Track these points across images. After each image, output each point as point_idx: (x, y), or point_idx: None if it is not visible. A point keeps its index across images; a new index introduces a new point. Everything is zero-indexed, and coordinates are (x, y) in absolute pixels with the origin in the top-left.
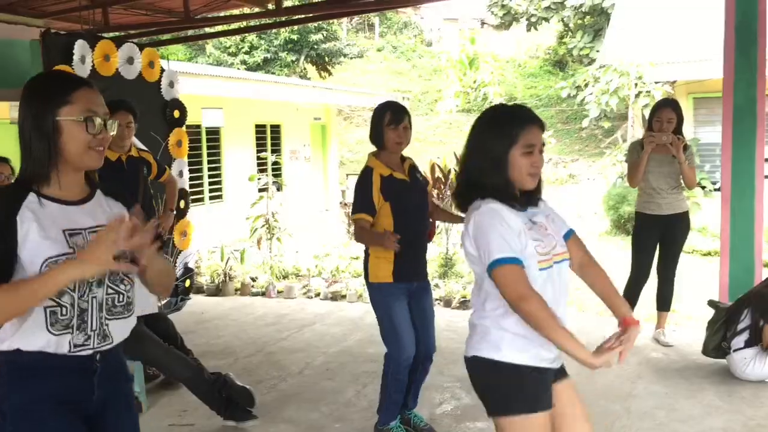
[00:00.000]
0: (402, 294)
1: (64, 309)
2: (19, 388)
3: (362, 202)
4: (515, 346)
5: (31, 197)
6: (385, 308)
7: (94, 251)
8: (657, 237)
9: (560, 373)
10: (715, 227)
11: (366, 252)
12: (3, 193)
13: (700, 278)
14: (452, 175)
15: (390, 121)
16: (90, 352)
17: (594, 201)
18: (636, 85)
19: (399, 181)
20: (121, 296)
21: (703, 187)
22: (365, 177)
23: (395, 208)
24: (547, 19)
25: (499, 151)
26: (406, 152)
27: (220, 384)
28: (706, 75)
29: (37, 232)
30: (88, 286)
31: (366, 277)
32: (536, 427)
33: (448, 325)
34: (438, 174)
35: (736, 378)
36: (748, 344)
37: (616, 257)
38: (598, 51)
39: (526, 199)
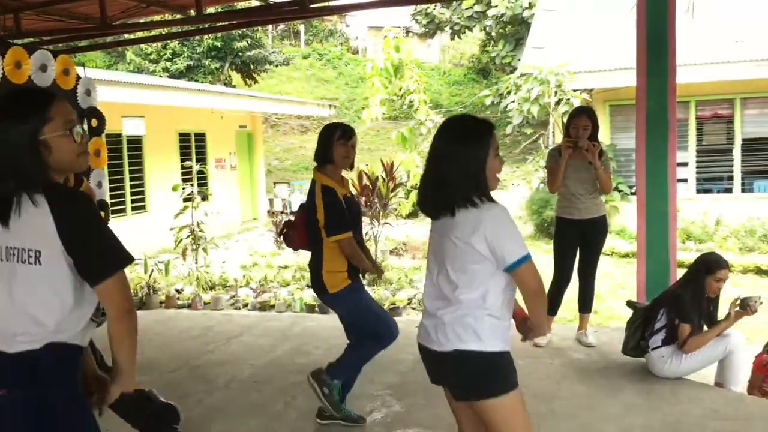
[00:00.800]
0: (361, 287)
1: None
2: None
3: (342, 221)
4: (498, 336)
5: None
6: (359, 302)
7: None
8: (577, 241)
9: None
10: (633, 229)
11: (317, 268)
12: None
13: (620, 280)
14: (380, 183)
15: (340, 136)
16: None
17: (518, 206)
18: (556, 93)
19: (350, 200)
20: None
21: (621, 191)
22: (333, 196)
23: (354, 224)
24: (470, 28)
25: (483, 158)
26: None
27: (143, 401)
28: (621, 83)
29: None
30: None
31: (323, 291)
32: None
33: None
34: (365, 182)
35: (654, 376)
36: (665, 343)
37: (541, 261)
38: (519, 59)
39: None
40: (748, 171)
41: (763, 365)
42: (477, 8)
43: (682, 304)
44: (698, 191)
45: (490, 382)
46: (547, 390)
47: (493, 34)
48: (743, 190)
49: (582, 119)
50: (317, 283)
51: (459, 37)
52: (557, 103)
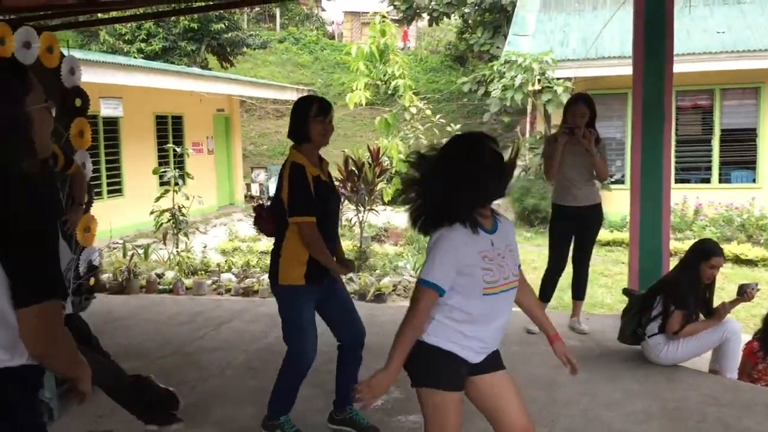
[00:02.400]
0: (312, 296)
1: None
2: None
3: (306, 202)
4: (440, 333)
5: None
6: (293, 310)
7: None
8: (573, 228)
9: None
10: (614, 218)
11: (275, 254)
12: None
13: (603, 268)
14: (366, 168)
15: (317, 113)
16: None
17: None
18: (539, 81)
19: (324, 184)
20: None
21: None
22: (300, 175)
23: (321, 210)
24: (448, 15)
25: (486, 178)
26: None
27: (142, 387)
28: (603, 72)
29: None
30: None
31: (274, 276)
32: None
33: (370, 319)
34: (352, 167)
35: (650, 363)
36: (662, 330)
37: (523, 249)
38: (498, 47)
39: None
40: (726, 161)
41: (753, 353)
42: None
43: (680, 291)
44: (677, 181)
45: (411, 369)
46: (546, 377)
47: (471, 21)
48: (721, 180)
49: (580, 106)
50: (272, 268)
51: (437, 24)
52: (539, 92)
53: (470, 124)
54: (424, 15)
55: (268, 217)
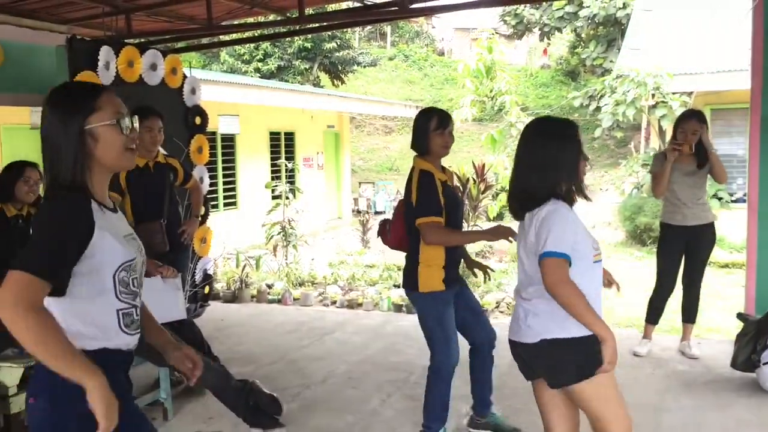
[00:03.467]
0: (451, 300)
1: (131, 312)
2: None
3: (432, 204)
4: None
5: (94, 204)
6: (437, 316)
7: (110, 407)
8: (682, 248)
9: None
10: (732, 239)
11: (413, 261)
12: (77, 199)
13: (720, 290)
14: (470, 184)
15: (437, 125)
16: (135, 345)
17: (606, 211)
18: (653, 95)
19: (452, 190)
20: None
21: (720, 199)
22: (429, 180)
23: (450, 214)
24: (560, 29)
25: (574, 160)
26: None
27: (247, 391)
28: (724, 86)
29: (110, 239)
30: (140, 287)
31: (413, 286)
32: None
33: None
34: (456, 182)
35: (765, 391)
36: None
37: (632, 267)
38: (611, 61)
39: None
40: None
41: None
42: (568, 9)
43: None
44: None
45: (566, 366)
46: (651, 401)
47: (584, 35)
48: None
49: (691, 123)
50: (409, 277)
51: (548, 39)
52: (653, 107)
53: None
54: (535, 30)
55: (392, 227)
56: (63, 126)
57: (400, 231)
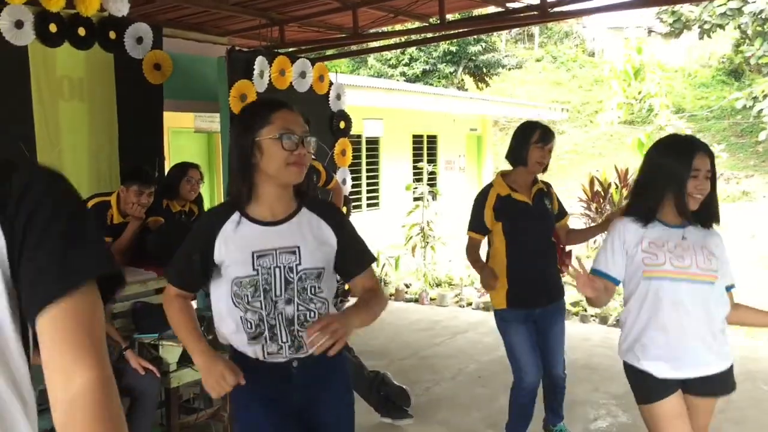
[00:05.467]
0: (519, 320)
1: (249, 324)
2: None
3: (472, 219)
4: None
5: (235, 216)
6: (504, 334)
7: (208, 376)
8: None
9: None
10: None
11: None
12: (214, 213)
13: None
14: (612, 189)
15: (539, 139)
16: (284, 359)
17: None
18: None
19: (517, 203)
20: (312, 313)
21: None
22: (481, 194)
23: (509, 229)
24: (722, 26)
25: (680, 174)
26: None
27: (379, 382)
28: None
29: (231, 252)
30: (273, 304)
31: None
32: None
33: (604, 341)
34: (597, 188)
35: None
36: None
37: None
38: None
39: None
40: None
41: None
42: (732, 4)
43: None
44: None
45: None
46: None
47: (749, 32)
48: None
49: None
50: None
51: (708, 36)
52: None
53: (743, 144)
54: (694, 27)
55: None
56: (239, 137)
57: None
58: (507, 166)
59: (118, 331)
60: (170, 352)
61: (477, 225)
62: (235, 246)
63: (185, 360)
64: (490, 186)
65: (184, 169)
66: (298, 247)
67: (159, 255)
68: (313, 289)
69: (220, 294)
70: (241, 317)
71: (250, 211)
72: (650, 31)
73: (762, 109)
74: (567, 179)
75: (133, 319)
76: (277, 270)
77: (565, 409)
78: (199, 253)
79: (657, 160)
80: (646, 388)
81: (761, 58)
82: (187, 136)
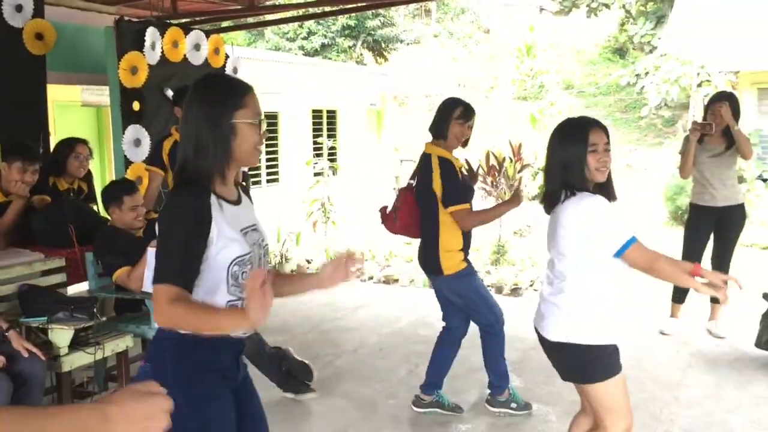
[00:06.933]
0: (474, 270)
1: (241, 303)
2: (183, 359)
3: (458, 192)
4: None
5: (213, 198)
6: (469, 287)
7: (257, 312)
8: (710, 228)
9: None
10: None
11: (432, 248)
12: (193, 194)
13: (759, 272)
14: (507, 163)
15: (461, 115)
16: (242, 335)
17: (653, 192)
18: (698, 74)
19: (465, 177)
20: None
21: (766, 180)
22: (450, 167)
23: (468, 201)
24: (608, 5)
25: (577, 154)
26: None
27: (280, 358)
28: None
29: (225, 233)
30: None
31: (437, 271)
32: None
33: None
34: (493, 162)
35: None
36: None
37: (672, 248)
38: (660, 38)
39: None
40: None
41: None
42: None
43: None
44: None
45: (584, 370)
46: (672, 377)
47: (633, 11)
48: None
49: (721, 105)
50: (431, 263)
51: (596, 15)
52: (699, 85)
53: (627, 119)
54: (583, 6)
55: (398, 215)
56: (212, 117)
57: (407, 218)
58: (403, 141)
59: (1, 315)
60: (60, 336)
61: (465, 196)
62: (227, 226)
63: (77, 343)
64: (448, 160)
65: (71, 144)
66: (257, 224)
67: (45, 235)
68: (267, 263)
69: (208, 282)
70: (230, 299)
71: (219, 191)
72: (542, 9)
73: (644, 86)
74: (465, 153)
75: (19, 303)
76: (256, 246)
77: (463, 375)
78: (204, 240)
79: (556, 144)
80: (608, 361)
81: (644, 37)
82: (74, 109)
